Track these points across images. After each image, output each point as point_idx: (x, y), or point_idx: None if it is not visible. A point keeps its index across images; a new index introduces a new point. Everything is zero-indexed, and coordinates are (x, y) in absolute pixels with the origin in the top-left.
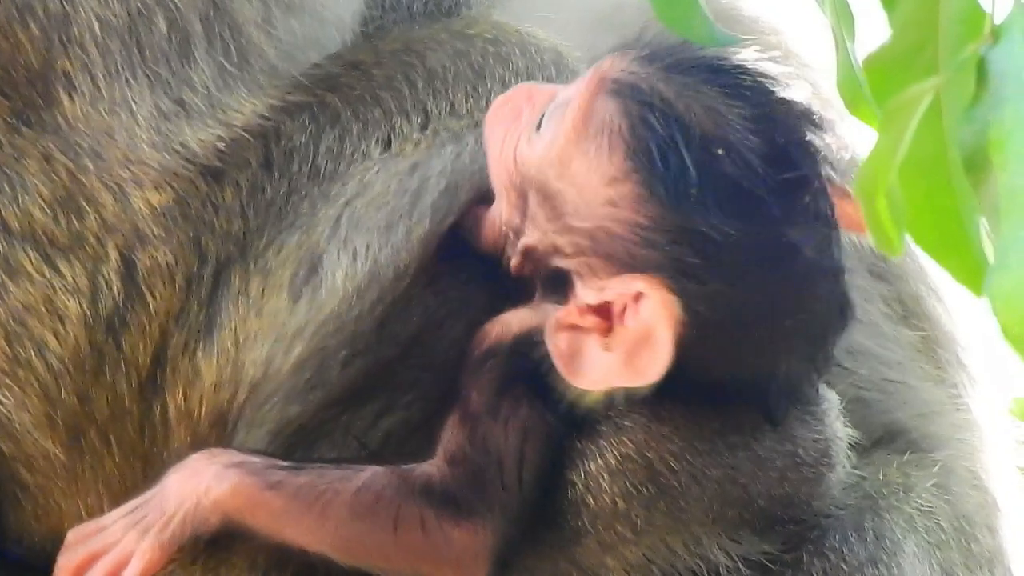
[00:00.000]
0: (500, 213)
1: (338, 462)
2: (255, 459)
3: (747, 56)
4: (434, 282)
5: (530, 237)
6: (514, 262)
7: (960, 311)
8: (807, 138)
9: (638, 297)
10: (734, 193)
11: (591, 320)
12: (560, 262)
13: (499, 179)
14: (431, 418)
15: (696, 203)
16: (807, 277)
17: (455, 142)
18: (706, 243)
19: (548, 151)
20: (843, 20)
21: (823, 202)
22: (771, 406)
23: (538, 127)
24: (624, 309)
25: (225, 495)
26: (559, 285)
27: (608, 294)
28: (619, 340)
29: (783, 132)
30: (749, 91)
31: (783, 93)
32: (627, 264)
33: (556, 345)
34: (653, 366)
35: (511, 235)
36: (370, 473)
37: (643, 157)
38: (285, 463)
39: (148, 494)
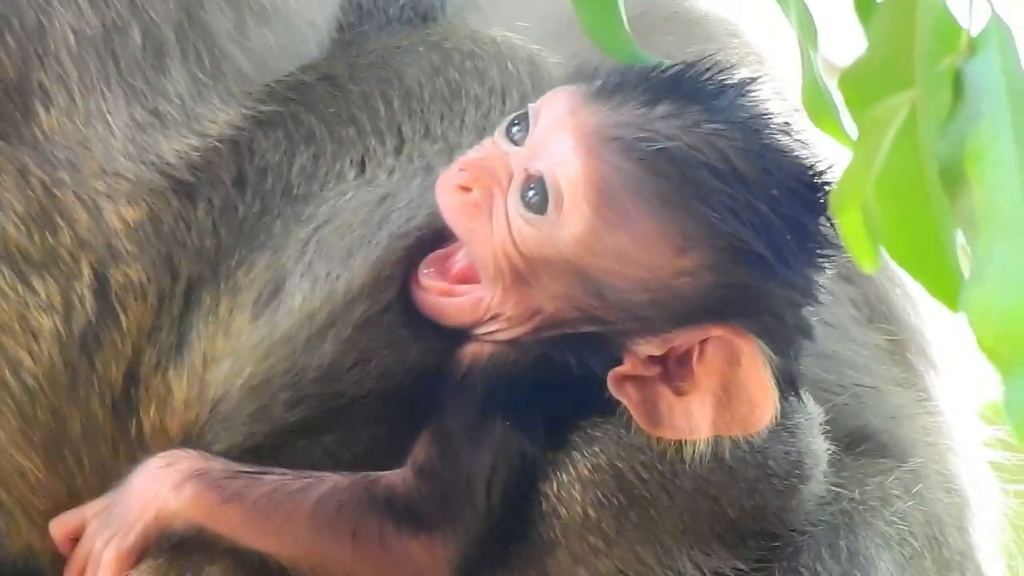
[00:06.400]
0: (490, 298)
1: (302, 469)
2: (216, 465)
3: (721, 75)
4: (387, 309)
5: (554, 312)
6: (509, 334)
7: (927, 306)
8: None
9: (707, 341)
10: (801, 232)
11: (655, 369)
12: (601, 328)
13: (495, 267)
14: (395, 446)
15: (778, 252)
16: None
17: (425, 173)
18: (785, 286)
19: (568, 232)
20: (806, 32)
21: None
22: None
23: (525, 202)
24: (690, 353)
25: (183, 507)
26: (587, 342)
27: (675, 343)
28: (694, 385)
29: (801, 157)
30: (750, 116)
31: (772, 110)
32: (696, 316)
33: (628, 396)
34: (760, 413)
35: (505, 313)
36: (331, 484)
37: (714, 218)
38: (247, 469)
39: (117, 490)
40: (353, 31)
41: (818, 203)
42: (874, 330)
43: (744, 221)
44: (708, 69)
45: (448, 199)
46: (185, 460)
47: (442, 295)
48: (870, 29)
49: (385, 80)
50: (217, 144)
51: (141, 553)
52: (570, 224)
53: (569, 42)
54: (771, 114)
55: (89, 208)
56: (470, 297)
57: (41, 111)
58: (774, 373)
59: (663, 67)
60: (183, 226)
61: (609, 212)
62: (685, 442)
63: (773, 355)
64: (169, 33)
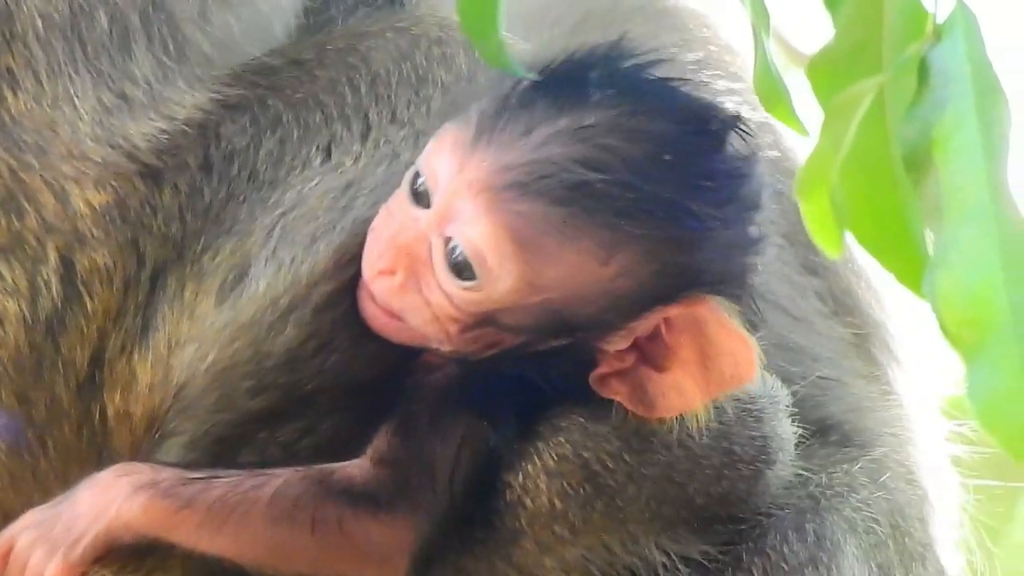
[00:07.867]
0: (439, 341)
1: (254, 467)
2: (167, 475)
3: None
4: (346, 293)
5: (512, 338)
6: (469, 357)
7: (891, 298)
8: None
9: (670, 316)
10: (709, 176)
11: (631, 357)
12: (563, 340)
13: (440, 329)
14: (357, 438)
15: (694, 219)
16: None
17: (390, 159)
18: (715, 235)
19: (503, 286)
20: (759, 17)
21: None
22: None
23: (453, 272)
24: (658, 329)
25: (136, 518)
26: (554, 354)
27: (638, 332)
28: (672, 358)
29: (683, 103)
30: (621, 92)
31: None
32: (649, 303)
33: (618, 391)
34: (746, 362)
35: (460, 348)
36: (285, 478)
37: (620, 223)
38: (199, 475)
39: (58, 503)
40: (320, 16)
41: (716, 138)
42: (839, 323)
43: (648, 212)
44: (567, 64)
45: (376, 286)
46: (136, 472)
47: (388, 317)
48: (837, 16)
49: (352, 66)
50: (184, 128)
51: (89, 565)
52: (501, 279)
53: (539, 30)
54: (642, 74)
55: (56, 192)
56: (419, 330)
57: (9, 95)
58: (742, 318)
59: (526, 80)
60: (149, 211)
61: (531, 256)
62: (684, 417)
63: (735, 304)
64: (134, 18)
